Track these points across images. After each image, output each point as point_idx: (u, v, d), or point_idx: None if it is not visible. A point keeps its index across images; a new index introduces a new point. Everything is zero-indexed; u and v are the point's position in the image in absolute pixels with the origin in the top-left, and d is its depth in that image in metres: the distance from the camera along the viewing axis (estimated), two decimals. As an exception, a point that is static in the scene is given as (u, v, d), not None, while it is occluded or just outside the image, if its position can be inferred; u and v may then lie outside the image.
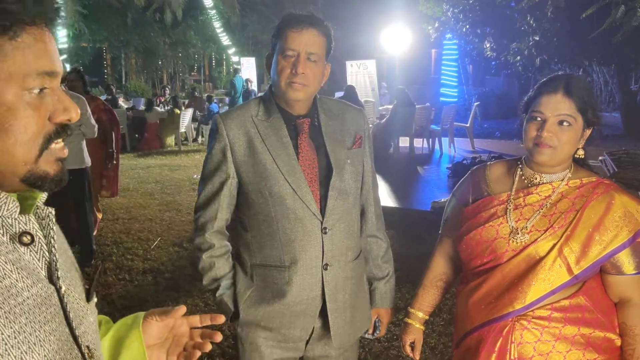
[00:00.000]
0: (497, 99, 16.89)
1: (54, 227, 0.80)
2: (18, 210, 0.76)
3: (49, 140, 0.74)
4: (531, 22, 10.99)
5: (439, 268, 1.85)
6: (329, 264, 1.66)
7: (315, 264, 1.65)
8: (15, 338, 0.68)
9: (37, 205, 0.80)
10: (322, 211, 1.64)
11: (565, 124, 1.49)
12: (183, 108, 12.90)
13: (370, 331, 1.90)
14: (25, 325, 0.70)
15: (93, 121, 4.79)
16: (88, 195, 4.87)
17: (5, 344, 0.67)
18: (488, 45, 12.89)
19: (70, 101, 0.75)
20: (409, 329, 1.85)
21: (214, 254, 1.71)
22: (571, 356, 1.50)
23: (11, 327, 0.68)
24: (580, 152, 1.57)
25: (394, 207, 6.47)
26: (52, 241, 0.79)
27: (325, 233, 1.64)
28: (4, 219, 0.74)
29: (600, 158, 5.63)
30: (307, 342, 1.77)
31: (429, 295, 1.84)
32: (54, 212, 0.81)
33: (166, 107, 12.96)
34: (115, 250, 5.16)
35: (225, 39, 20.82)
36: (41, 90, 0.73)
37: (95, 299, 0.87)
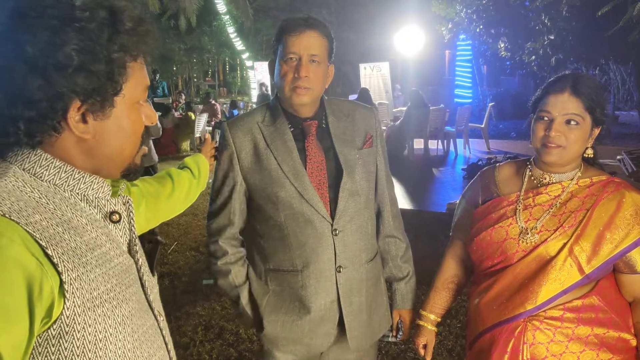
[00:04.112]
0: (513, 99, 16.71)
1: (133, 210, 0.99)
2: (110, 193, 0.93)
3: (141, 140, 0.95)
4: (546, 21, 10.88)
5: (450, 270, 1.85)
6: (343, 266, 1.65)
7: (328, 267, 1.64)
8: (108, 294, 0.86)
9: (119, 193, 0.97)
10: (332, 213, 1.63)
11: (572, 123, 1.49)
12: (198, 113, 13.00)
13: (394, 333, 1.88)
14: (116, 285, 0.88)
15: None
16: None
17: (101, 297, 0.84)
18: (502, 45, 12.78)
19: (151, 109, 0.94)
20: (422, 331, 1.84)
21: (228, 260, 1.71)
22: (585, 356, 1.48)
23: (105, 285, 0.86)
24: (590, 152, 1.55)
25: (409, 208, 6.45)
26: (132, 221, 0.98)
27: (336, 235, 1.62)
28: (98, 199, 0.91)
29: (618, 157, 5.55)
30: None
31: (441, 297, 1.84)
32: (132, 200, 0.99)
33: (181, 112, 13.06)
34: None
35: (239, 44, 20.93)
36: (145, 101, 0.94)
37: (156, 274, 1.05)
